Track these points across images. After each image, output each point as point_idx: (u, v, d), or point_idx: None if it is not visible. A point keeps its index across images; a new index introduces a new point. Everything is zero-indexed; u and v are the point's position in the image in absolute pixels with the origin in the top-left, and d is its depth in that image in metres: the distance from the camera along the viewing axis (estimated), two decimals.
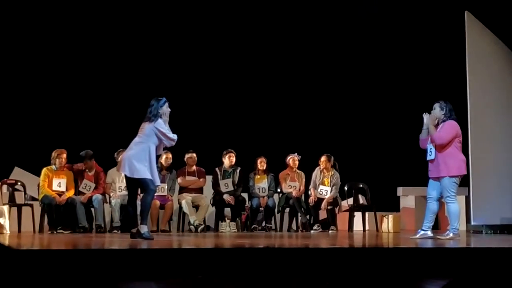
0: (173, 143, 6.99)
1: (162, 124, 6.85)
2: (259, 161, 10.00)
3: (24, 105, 10.78)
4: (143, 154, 6.73)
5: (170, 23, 11.79)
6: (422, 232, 7.12)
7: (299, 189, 9.89)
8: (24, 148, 10.12)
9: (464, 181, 10.30)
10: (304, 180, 10.01)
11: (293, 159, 10.02)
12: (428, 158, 7.10)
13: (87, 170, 9.38)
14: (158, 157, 9.31)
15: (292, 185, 9.90)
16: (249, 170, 10.05)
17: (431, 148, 7.08)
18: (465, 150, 9.81)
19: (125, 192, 9.34)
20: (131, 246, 5.45)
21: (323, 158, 9.90)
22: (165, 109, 6.91)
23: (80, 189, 9.29)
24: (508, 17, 10.13)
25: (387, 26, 12.01)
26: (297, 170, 10.06)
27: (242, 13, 11.86)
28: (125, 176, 6.86)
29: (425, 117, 7.20)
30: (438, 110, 7.13)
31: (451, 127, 7.03)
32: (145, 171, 6.68)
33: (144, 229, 6.76)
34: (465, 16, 10.19)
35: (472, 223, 9.83)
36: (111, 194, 9.37)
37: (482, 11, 10.22)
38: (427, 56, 11.79)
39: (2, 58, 10.83)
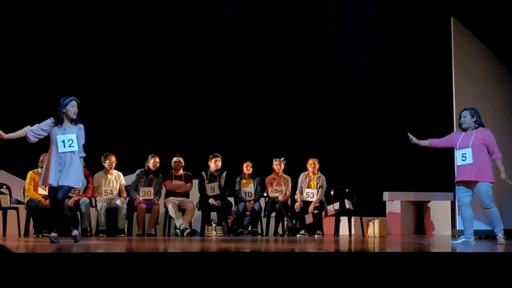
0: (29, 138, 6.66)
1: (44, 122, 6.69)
2: (245, 165, 10.01)
3: (10, 107, 10.72)
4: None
5: (158, 27, 11.81)
6: (465, 239, 7.11)
7: (285, 194, 9.91)
8: (9, 151, 10.06)
9: (449, 186, 10.40)
10: (290, 184, 10.03)
11: (279, 164, 10.03)
12: (462, 163, 7.06)
13: None
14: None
15: (278, 190, 9.91)
16: (235, 174, 10.06)
17: (464, 153, 7.08)
18: (451, 156, 9.90)
19: (111, 196, 9.36)
20: (117, 250, 5.44)
21: (310, 161, 9.92)
22: (69, 108, 6.70)
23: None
24: (493, 23, 10.22)
25: (373, 32, 12.08)
26: (283, 175, 10.08)
27: (229, 18, 11.89)
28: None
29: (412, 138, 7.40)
30: (469, 118, 7.17)
31: (492, 135, 7.16)
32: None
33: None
34: (451, 22, 10.27)
35: (457, 228, 9.89)
36: (97, 198, 9.34)
37: (468, 17, 10.30)
38: (413, 62, 11.87)
39: None
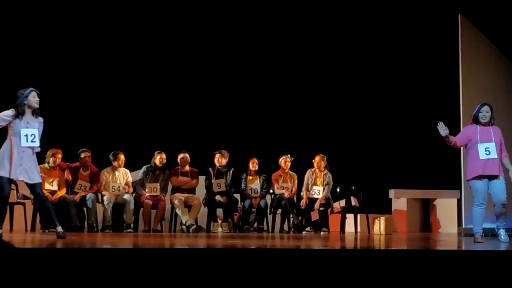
0: None
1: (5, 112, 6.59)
2: (251, 162, 10.01)
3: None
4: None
5: (164, 24, 11.79)
6: (478, 235, 7.03)
7: (292, 191, 9.90)
8: None
9: (456, 184, 10.37)
10: (296, 181, 10.02)
11: (285, 160, 10.02)
12: (486, 157, 6.92)
13: (82, 170, 9.37)
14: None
15: (284, 186, 9.91)
16: (241, 171, 10.05)
17: (487, 147, 6.99)
18: (458, 153, 9.87)
19: (118, 192, 9.37)
20: (123, 245, 5.44)
21: (317, 158, 9.91)
22: (31, 99, 6.60)
23: (75, 189, 9.26)
24: (500, 21, 10.18)
25: (381, 29, 12.04)
26: (290, 172, 10.07)
27: (235, 15, 11.86)
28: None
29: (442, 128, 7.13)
30: (490, 113, 7.08)
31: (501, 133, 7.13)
32: None
33: None
34: (459, 19, 10.23)
35: (464, 225, 9.86)
36: (104, 193, 9.34)
37: (475, 14, 10.26)
38: (421, 59, 11.82)
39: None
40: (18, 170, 6.50)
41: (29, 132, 6.55)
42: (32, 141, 6.56)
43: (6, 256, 3.43)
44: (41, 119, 6.72)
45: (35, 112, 6.67)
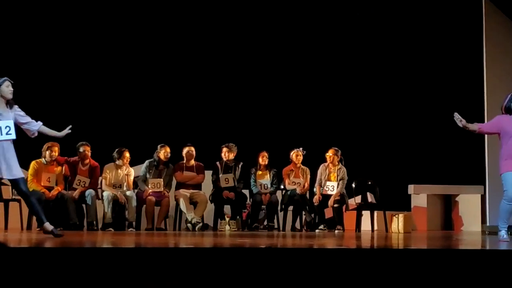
0: None
1: None
2: (261, 155, 10.00)
3: (15, 96, 10.78)
4: None
5: (171, 16, 11.78)
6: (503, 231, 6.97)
7: (304, 186, 9.89)
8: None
9: (480, 179, 10.34)
10: (309, 176, 10.01)
11: (297, 154, 10.02)
12: None
13: (81, 164, 9.39)
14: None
15: (296, 182, 9.90)
16: (250, 165, 10.05)
17: None
18: (481, 146, 9.85)
19: (119, 189, 9.38)
20: (125, 244, 5.46)
21: (330, 152, 9.90)
22: (4, 88, 6.58)
23: (74, 185, 9.28)
24: None
25: (401, 16, 11.96)
26: (302, 166, 10.06)
27: (244, 8, 11.83)
28: None
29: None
30: None
31: None
32: None
33: None
34: (483, 3, 10.19)
35: (488, 223, 9.84)
36: (104, 188, 9.36)
37: None
38: (442, 46, 11.75)
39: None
40: (3, 167, 6.49)
41: (3, 124, 6.52)
42: (7, 134, 6.52)
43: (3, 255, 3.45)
44: (15, 107, 6.67)
45: (9, 103, 6.63)
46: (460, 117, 7.01)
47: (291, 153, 10.06)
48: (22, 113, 6.76)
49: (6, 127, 6.52)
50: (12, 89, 6.63)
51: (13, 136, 6.57)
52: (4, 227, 8.99)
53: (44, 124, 6.92)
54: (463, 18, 11.28)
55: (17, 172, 6.59)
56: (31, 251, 4.54)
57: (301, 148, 10.06)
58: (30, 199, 6.74)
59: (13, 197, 9.36)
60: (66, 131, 7.10)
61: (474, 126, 7.12)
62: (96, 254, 4.38)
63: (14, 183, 6.63)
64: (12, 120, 6.60)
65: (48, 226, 6.67)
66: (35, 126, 6.84)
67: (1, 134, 6.49)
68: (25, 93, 10.51)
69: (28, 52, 11.05)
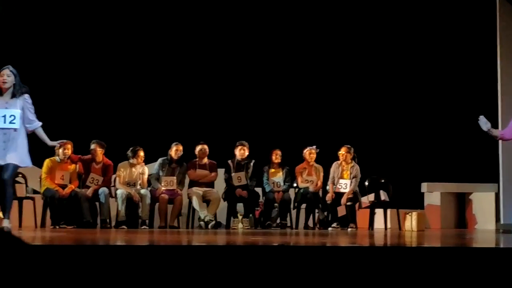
0: None
1: None
2: (274, 153, 10.00)
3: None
4: None
5: (187, 16, 11.78)
6: None
7: (317, 184, 9.88)
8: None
9: (494, 177, 10.29)
10: (322, 174, 10.00)
11: (310, 152, 10.01)
12: None
13: (94, 162, 9.41)
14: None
15: (309, 180, 9.90)
16: (263, 163, 10.05)
17: None
18: (495, 144, 9.80)
19: (133, 187, 9.40)
20: (138, 242, 5.48)
21: (343, 150, 9.88)
22: None
23: (87, 183, 9.31)
24: None
25: (414, 13, 11.91)
26: (315, 164, 10.05)
27: (260, 6, 11.81)
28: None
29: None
30: None
31: None
32: None
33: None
34: (497, 2, 10.14)
35: (502, 221, 9.80)
36: (118, 186, 9.38)
37: None
38: (456, 45, 11.69)
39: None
40: (2, 153, 6.44)
41: (8, 113, 6.48)
42: (10, 122, 6.47)
43: (17, 252, 3.46)
44: (25, 96, 6.63)
45: (15, 92, 6.57)
46: (486, 119, 6.84)
47: (304, 151, 10.05)
48: (29, 104, 6.67)
49: (10, 116, 6.50)
50: (3, 78, 6.54)
51: (17, 126, 6.52)
52: (19, 224, 9.04)
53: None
54: (477, 16, 11.22)
55: (11, 160, 6.47)
56: (45, 248, 4.56)
57: (314, 147, 10.05)
58: (7, 189, 6.56)
59: (27, 195, 9.43)
60: (55, 143, 7.04)
61: (497, 132, 7.02)
62: (110, 252, 4.40)
63: (3, 168, 6.47)
64: (20, 109, 6.56)
65: (6, 223, 6.54)
66: (31, 127, 6.75)
67: (4, 122, 6.47)
68: (40, 92, 10.70)
69: (44, 51, 11.11)
